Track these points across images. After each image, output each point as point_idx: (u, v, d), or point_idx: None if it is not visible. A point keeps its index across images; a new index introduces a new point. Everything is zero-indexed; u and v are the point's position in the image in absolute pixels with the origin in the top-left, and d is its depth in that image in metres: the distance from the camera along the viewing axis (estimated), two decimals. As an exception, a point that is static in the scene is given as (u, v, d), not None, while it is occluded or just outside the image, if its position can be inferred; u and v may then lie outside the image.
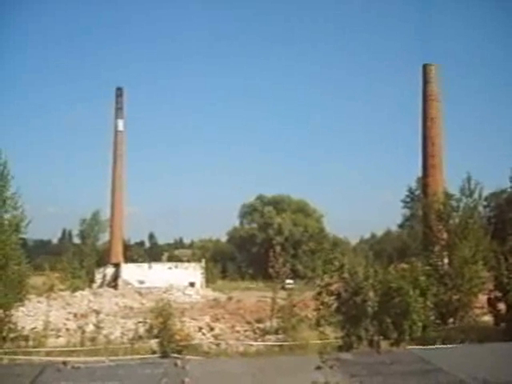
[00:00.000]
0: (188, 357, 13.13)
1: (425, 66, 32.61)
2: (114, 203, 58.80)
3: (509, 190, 32.84)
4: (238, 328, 22.30)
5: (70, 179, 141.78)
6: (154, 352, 14.20)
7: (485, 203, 37.21)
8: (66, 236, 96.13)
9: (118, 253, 58.44)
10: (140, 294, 43.33)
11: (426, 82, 32.60)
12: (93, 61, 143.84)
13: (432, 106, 32.46)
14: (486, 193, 31.66)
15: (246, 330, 21.73)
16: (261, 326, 21.76)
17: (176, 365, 11.58)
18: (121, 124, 57.25)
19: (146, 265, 52.76)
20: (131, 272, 50.49)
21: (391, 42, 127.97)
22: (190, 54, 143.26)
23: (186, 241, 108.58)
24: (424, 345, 14.72)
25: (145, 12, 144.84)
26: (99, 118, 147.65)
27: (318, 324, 15.31)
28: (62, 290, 37.93)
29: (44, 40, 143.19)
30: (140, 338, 16.70)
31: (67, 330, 20.33)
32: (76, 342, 16.78)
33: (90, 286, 47.47)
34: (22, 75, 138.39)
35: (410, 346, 14.45)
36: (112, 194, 58.68)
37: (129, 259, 60.96)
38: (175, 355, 13.15)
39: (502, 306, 17.29)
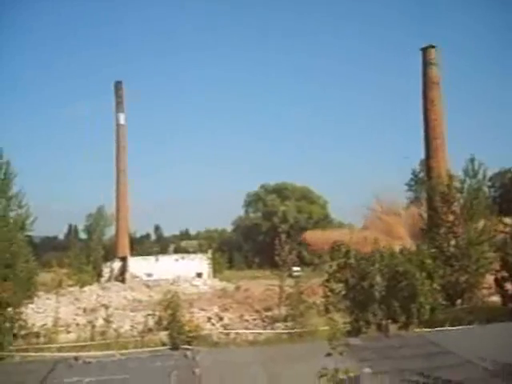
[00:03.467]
0: (198, 348, 13.20)
1: (424, 49, 32.47)
2: (119, 197, 58.84)
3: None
4: (246, 317, 22.34)
5: (74, 175, 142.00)
6: (163, 344, 14.26)
7: (489, 183, 37.11)
8: (71, 232, 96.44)
9: (124, 246, 58.59)
10: (148, 286, 43.46)
11: (425, 64, 32.49)
12: (89, 56, 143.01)
13: (432, 87, 32.34)
14: (490, 173, 31.69)
15: (254, 319, 21.77)
16: (269, 314, 21.80)
17: (186, 356, 11.67)
18: (122, 118, 57.19)
19: (152, 257, 52.88)
20: (138, 265, 50.64)
21: (390, 27, 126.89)
22: (188, 46, 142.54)
23: (192, 232, 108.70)
24: (432, 327, 14.78)
25: (141, 5, 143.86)
26: (100, 113, 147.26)
27: (326, 310, 15.36)
28: (70, 286, 38.05)
29: (39, 37, 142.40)
30: (149, 330, 16.75)
31: (77, 325, 20.40)
32: (86, 336, 16.85)
33: (97, 281, 47.64)
34: (23, 73, 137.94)
35: (419, 329, 14.51)
36: (116, 187, 58.73)
37: (136, 252, 61.07)
38: (185, 346, 13.21)
39: (509, 286, 17.32)
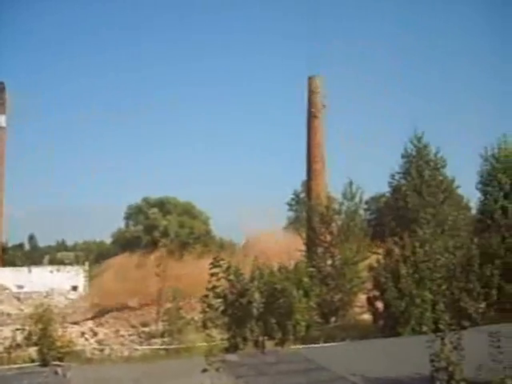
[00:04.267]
0: (69, 364, 12.69)
1: (309, 78, 34.03)
2: (-8, 203, 55.61)
3: (387, 194, 34.46)
4: (122, 332, 21.85)
5: None
6: (33, 360, 13.58)
7: (365, 207, 38.79)
8: None
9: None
10: (19, 299, 41.38)
11: (310, 92, 34.00)
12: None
13: (315, 115, 33.76)
14: (366, 197, 33.16)
15: (130, 334, 21.33)
16: (146, 329, 21.45)
17: (56, 373, 11.18)
18: (2, 120, 54.15)
19: (25, 268, 50.38)
20: (8, 276, 48.02)
21: (278, 56, 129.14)
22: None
23: (69, 243, 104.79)
24: (308, 344, 15.13)
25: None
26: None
27: (204, 326, 15.30)
28: None
29: None
30: (18, 346, 15.90)
31: None
32: None
33: (-38, 292, 44.69)
34: None
35: (294, 346, 14.81)
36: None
37: (7, 263, 57.88)
38: (56, 363, 12.66)
39: (379, 305, 18.05)
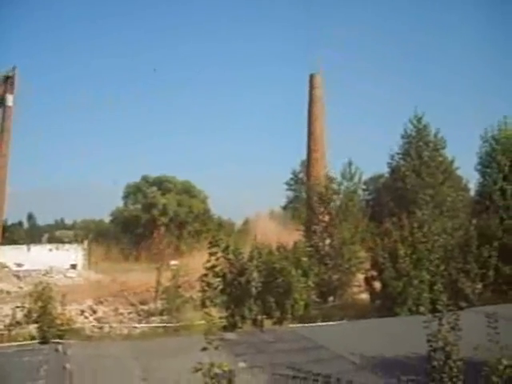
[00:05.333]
0: (69, 341, 12.78)
1: (311, 76, 34.84)
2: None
3: (386, 175, 34.50)
4: (121, 310, 21.92)
5: None
6: (33, 338, 13.68)
7: (364, 187, 38.88)
8: None
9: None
10: (18, 277, 41.45)
11: (311, 87, 34.69)
12: None
13: (316, 107, 34.47)
14: (365, 177, 33.23)
15: (130, 313, 21.42)
16: (145, 307, 21.55)
17: (57, 350, 11.27)
18: (10, 99, 53.58)
19: (24, 246, 50.44)
20: (8, 254, 48.06)
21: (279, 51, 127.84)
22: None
23: (68, 221, 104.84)
24: (305, 323, 15.25)
25: None
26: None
27: (203, 305, 15.39)
28: None
29: None
30: (18, 323, 15.98)
31: None
32: None
33: (-39, 270, 44.82)
34: None
35: (293, 325, 14.91)
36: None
37: (7, 241, 57.96)
38: (56, 340, 12.75)
39: (377, 285, 18.17)
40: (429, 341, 7.64)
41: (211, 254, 15.56)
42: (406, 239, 17.63)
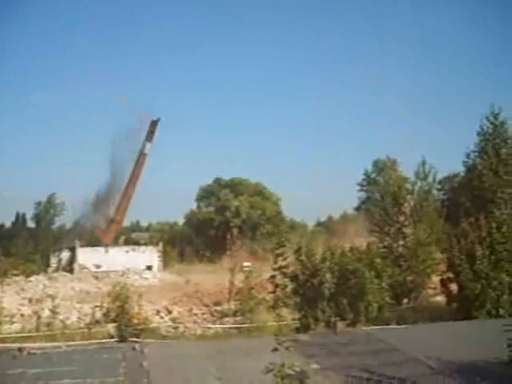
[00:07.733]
0: (146, 340, 13.09)
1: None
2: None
3: (461, 174, 33.62)
4: (195, 311, 22.30)
5: (25, 164, 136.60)
6: (111, 336, 14.11)
7: (439, 186, 37.99)
8: (19, 220, 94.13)
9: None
10: (97, 278, 42.85)
11: None
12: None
13: None
14: (439, 176, 32.45)
15: (203, 313, 21.76)
16: (218, 308, 21.83)
17: (134, 349, 11.55)
18: (148, 147, 53.16)
19: (102, 248, 52.10)
20: (87, 256, 49.80)
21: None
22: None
23: (143, 224, 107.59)
24: (379, 325, 15.04)
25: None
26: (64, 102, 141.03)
27: (274, 306, 15.43)
28: (15, 275, 37.18)
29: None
30: (97, 322, 16.54)
31: (22, 315, 20.00)
32: (31, 327, 16.54)
33: (45, 271, 46.67)
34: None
35: (366, 327, 14.74)
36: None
37: (86, 242, 60.01)
38: (133, 339, 13.09)
39: (453, 287, 17.71)
40: (509, 345, 7.38)
41: (278, 255, 15.56)
42: (484, 240, 17.09)
